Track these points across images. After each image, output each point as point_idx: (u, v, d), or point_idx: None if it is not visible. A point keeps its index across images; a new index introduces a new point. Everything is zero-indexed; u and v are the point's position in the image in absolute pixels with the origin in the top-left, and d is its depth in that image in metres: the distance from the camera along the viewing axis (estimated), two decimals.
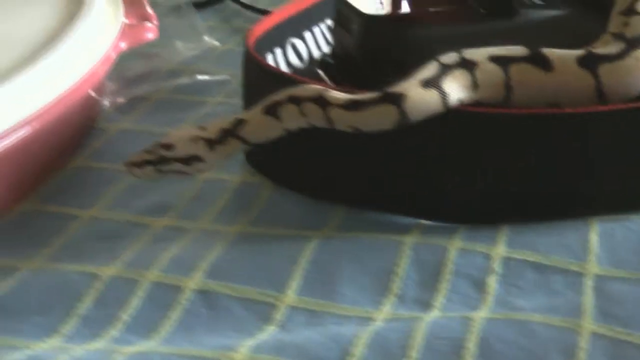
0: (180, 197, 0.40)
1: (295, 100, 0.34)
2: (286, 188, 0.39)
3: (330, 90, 0.33)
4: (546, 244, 0.34)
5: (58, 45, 0.42)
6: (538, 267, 0.33)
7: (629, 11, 0.36)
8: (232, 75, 0.53)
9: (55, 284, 0.34)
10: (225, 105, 0.49)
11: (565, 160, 0.34)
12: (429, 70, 0.33)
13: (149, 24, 0.50)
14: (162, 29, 0.51)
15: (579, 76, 0.33)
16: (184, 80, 0.52)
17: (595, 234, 0.34)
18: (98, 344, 0.30)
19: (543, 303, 0.31)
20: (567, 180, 0.34)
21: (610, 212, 0.34)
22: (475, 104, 0.34)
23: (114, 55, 0.46)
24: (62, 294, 0.33)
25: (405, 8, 0.39)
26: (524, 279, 0.32)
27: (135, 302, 0.32)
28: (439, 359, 0.28)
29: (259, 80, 0.40)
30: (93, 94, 0.44)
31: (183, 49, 0.55)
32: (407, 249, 0.34)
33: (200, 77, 0.53)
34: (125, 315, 0.32)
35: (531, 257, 0.33)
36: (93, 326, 0.31)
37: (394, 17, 0.37)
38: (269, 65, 0.41)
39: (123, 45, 0.47)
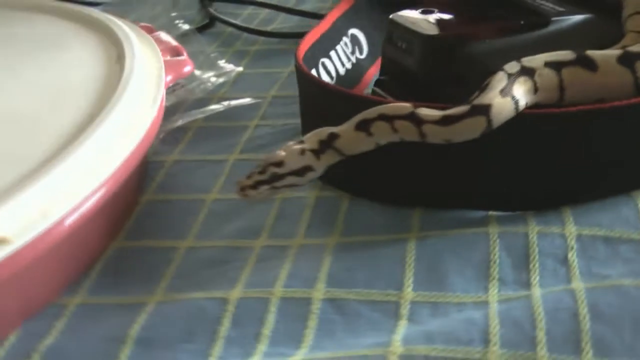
0: (265, 218, 0.42)
1: (386, 118, 0.37)
2: (361, 198, 0.43)
3: (420, 107, 0.37)
4: (607, 218, 0.39)
5: (122, 97, 0.42)
6: (607, 240, 0.37)
7: None
8: (254, 97, 0.56)
9: (190, 312, 0.36)
10: (265, 128, 0.52)
11: (610, 148, 0.39)
12: (501, 80, 0.37)
13: (182, 58, 0.52)
14: None
15: (620, 73, 0.38)
16: (213, 107, 0.55)
17: None
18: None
19: (624, 269, 0.36)
20: (613, 164, 0.39)
21: None
22: (534, 106, 0.39)
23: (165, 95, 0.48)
24: (200, 321, 0.35)
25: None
26: (598, 251, 0.37)
27: (271, 318, 0.35)
28: (563, 327, 0.32)
29: (319, 100, 0.43)
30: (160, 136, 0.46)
31: (203, 76, 0.58)
32: (495, 238, 0.38)
33: (227, 102, 0.55)
34: (267, 331, 0.35)
35: (599, 232, 0.38)
36: (240, 345, 0.34)
37: (450, 36, 0.41)
38: (333, 86, 0.45)
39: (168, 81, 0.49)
